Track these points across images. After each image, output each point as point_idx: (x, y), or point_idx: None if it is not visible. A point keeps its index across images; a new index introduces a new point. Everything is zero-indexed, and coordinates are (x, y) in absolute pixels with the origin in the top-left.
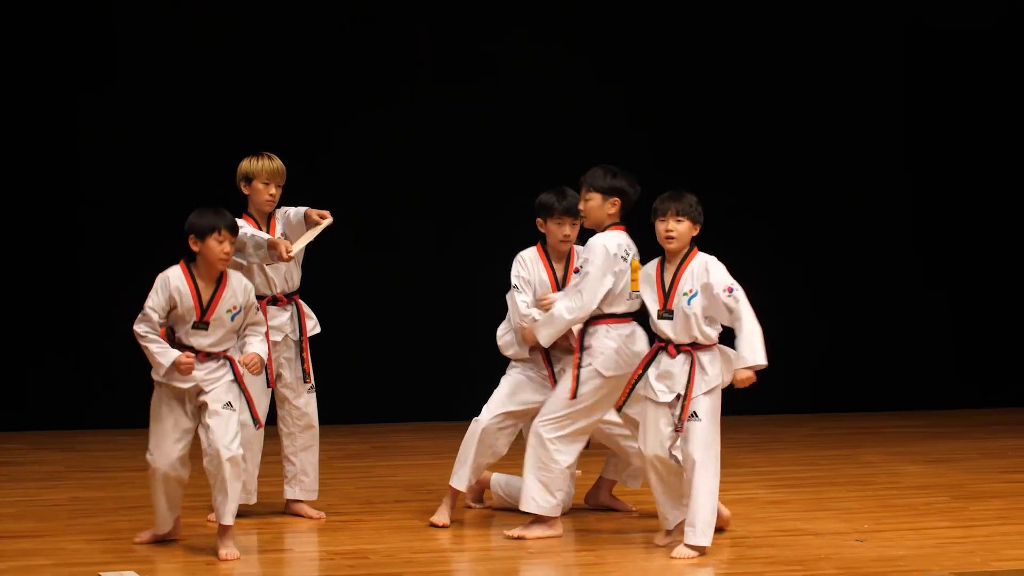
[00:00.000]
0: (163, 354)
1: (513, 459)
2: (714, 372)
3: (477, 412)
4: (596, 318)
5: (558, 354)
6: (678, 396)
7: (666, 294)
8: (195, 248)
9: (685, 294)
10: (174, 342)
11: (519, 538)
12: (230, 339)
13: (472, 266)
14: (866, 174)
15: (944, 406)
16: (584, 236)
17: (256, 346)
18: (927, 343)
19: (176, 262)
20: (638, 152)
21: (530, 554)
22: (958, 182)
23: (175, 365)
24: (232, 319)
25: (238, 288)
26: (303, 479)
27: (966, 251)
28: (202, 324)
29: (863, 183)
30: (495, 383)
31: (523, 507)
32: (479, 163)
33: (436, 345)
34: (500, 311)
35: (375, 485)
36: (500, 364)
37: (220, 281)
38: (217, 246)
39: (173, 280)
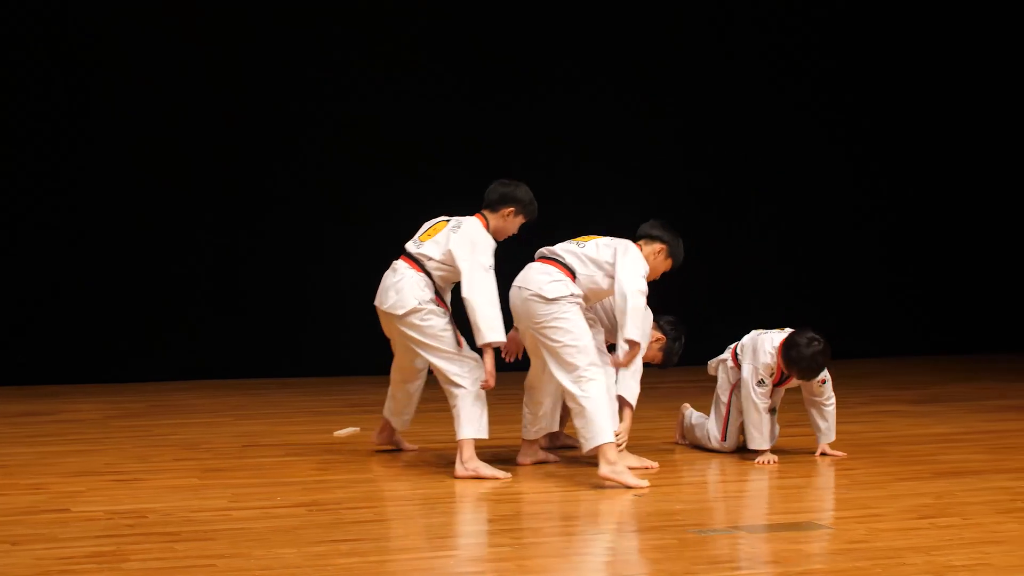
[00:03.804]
0: None
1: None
2: None
3: (254, 371)
4: None
5: None
6: None
7: None
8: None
9: None
10: None
11: None
12: None
13: (251, 226)
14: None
15: None
16: None
17: None
18: (720, 293)
19: None
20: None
21: (310, 511)
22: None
23: None
24: None
25: None
26: None
27: (793, 205)
28: None
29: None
30: (274, 341)
31: None
32: None
33: (209, 303)
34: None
35: (153, 444)
36: (278, 323)
37: None
38: None
39: None
